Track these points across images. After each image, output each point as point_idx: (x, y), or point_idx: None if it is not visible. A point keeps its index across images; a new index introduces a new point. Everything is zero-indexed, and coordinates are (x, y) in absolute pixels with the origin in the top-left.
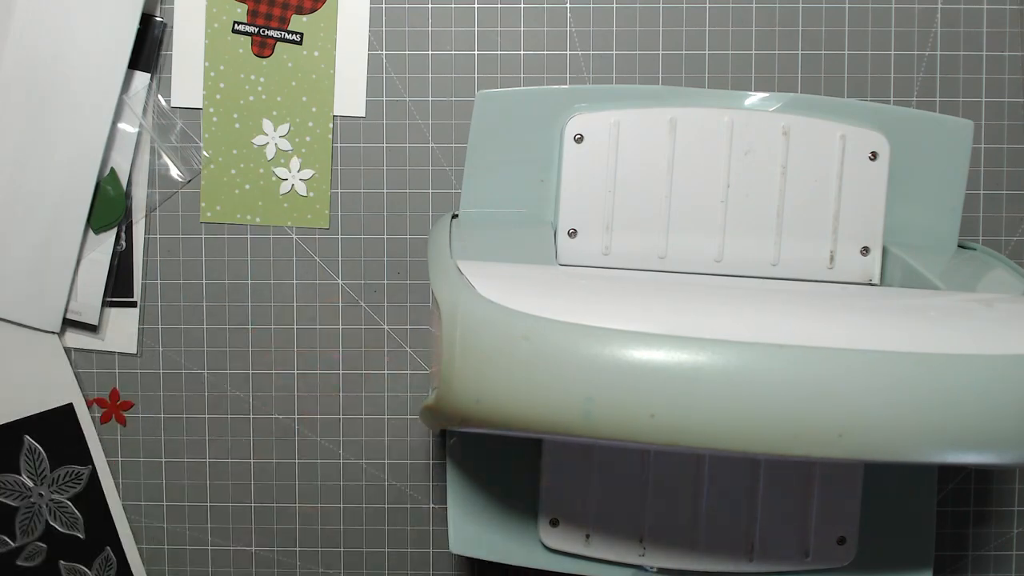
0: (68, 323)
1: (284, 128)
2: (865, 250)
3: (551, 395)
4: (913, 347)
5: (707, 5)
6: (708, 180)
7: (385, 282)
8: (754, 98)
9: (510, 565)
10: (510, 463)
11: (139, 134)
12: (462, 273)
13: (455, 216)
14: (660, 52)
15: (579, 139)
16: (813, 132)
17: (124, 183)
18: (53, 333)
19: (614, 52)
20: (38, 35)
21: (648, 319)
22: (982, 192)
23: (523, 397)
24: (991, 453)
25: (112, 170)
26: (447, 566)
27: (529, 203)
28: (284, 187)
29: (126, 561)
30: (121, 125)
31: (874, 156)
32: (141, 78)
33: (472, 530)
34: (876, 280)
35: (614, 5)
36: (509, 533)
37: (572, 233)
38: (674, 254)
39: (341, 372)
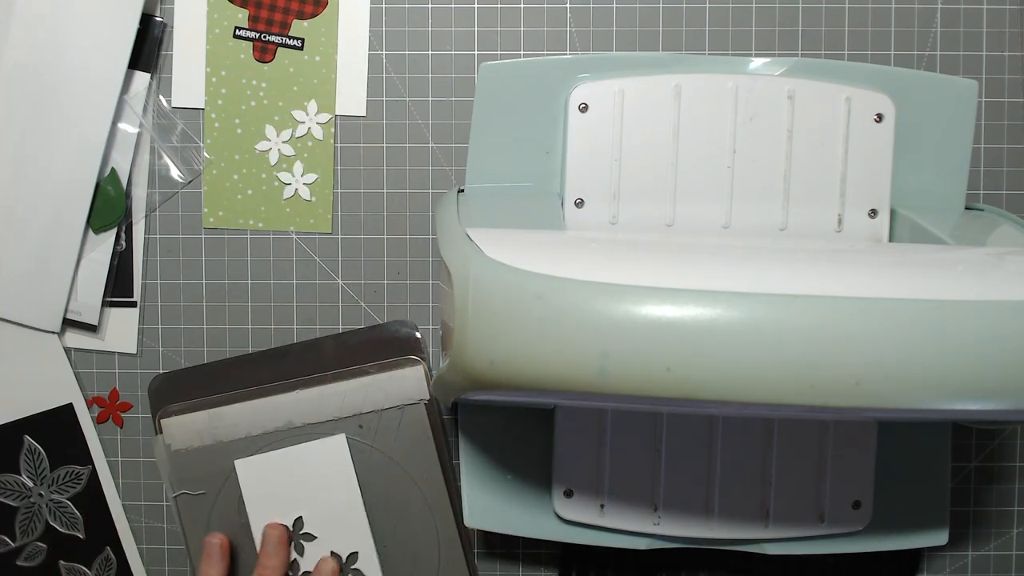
0: (68, 323)
1: (287, 133)
2: (873, 212)
3: (566, 352)
4: (927, 294)
5: (707, 5)
6: (714, 146)
7: (385, 282)
8: (758, 63)
9: (525, 538)
10: (523, 436)
11: (139, 134)
12: (471, 239)
13: (461, 191)
14: (660, 53)
15: (584, 108)
16: (818, 95)
17: (124, 183)
18: (53, 333)
19: (614, 53)
20: (38, 35)
21: (661, 274)
22: (982, 192)
23: (537, 356)
24: (1007, 398)
25: (112, 170)
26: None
27: (535, 176)
28: (287, 192)
29: (126, 561)
30: (121, 125)
31: (880, 118)
32: (141, 78)
33: (486, 504)
34: (885, 242)
35: (614, 5)
36: (523, 505)
37: (579, 203)
38: (682, 221)
39: None
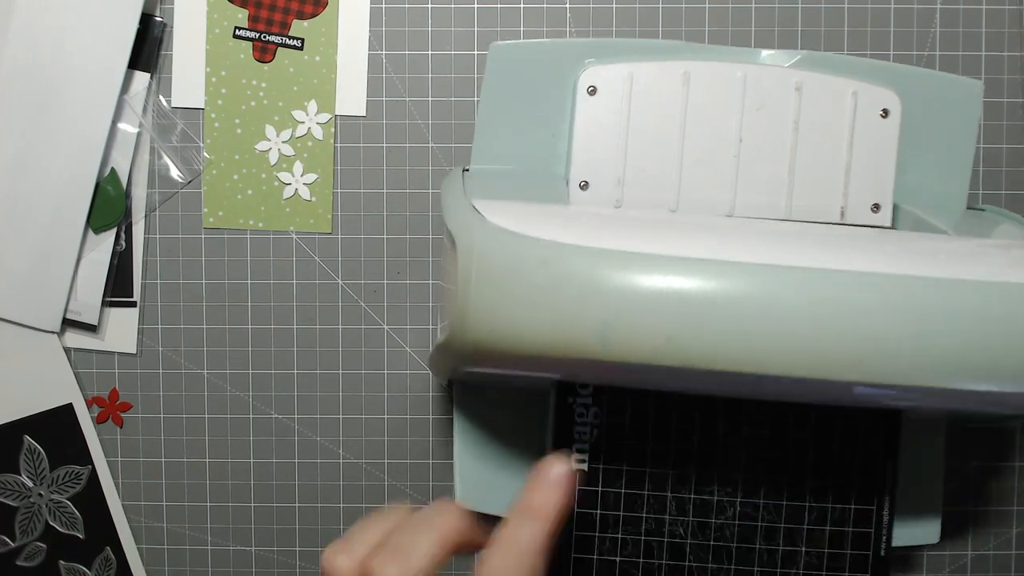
0: (68, 323)
1: (287, 133)
2: (876, 207)
3: (567, 320)
4: (935, 272)
5: (706, 6)
6: (720, 134)
7: (385, 282)
8: (768, 53)
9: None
10: (519, 415)
11: (139, 134)
12: (477, 210)
13: (466, 170)
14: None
15: (592, 91)
16: (825, 88)
17: (124, 183)
18: (53, 333)
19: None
20: (38, 35)
21: (667, 243)
22: (981, 192)
23: (538, 324)
24: (1014, 379)
25: (112, 170)
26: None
27: (541, 158)
28: (287, 192)
29: (126, 561)
30: (121, 125)
31: (885, 113)
32: (141, 78)
33: (481, 484)
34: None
35: (614, 6)
36: (519, 486)
37: (584, 185)
38: (686, 207)
39: (341, 372)
